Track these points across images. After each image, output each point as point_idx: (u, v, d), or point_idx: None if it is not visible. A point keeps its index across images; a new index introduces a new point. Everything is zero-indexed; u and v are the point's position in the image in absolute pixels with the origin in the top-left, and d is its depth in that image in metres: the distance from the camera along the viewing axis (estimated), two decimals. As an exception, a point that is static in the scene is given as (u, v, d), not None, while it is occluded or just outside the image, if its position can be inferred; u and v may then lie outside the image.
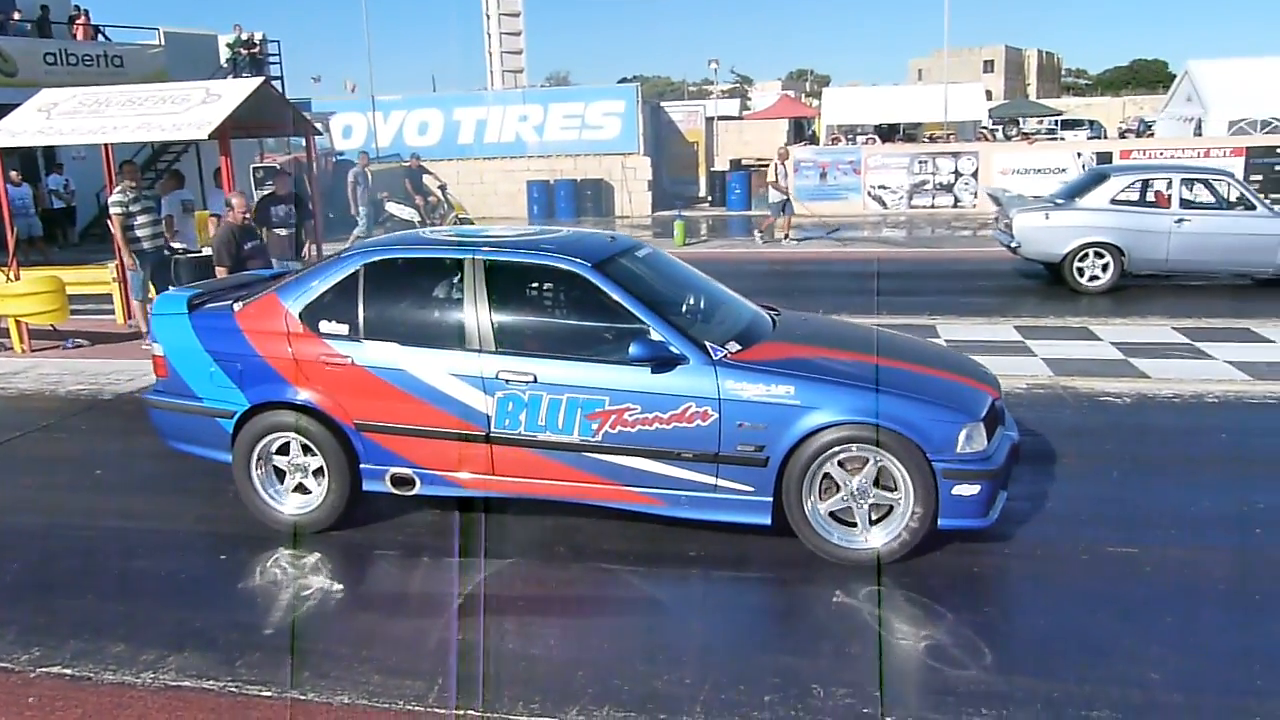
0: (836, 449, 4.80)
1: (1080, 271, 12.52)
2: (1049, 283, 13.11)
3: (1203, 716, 3.69)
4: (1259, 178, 21.71)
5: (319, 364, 5.31)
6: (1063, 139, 37.41)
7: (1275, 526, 5.28)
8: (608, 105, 26.05)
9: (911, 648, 4.23)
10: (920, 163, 24.32)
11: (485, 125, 26.50)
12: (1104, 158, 23.52)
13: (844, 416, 4.78)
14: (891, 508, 4.86)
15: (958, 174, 23.99)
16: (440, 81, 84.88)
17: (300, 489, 5.50)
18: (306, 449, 5.40)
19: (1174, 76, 38.09)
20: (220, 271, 8.23)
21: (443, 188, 20.54)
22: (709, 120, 31.12)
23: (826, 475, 4.86)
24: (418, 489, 5.33)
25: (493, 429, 5.10)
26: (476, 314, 5.17)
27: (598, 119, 25.93)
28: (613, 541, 5.29)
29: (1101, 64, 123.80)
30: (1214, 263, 12.49)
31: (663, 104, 32.14)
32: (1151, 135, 33.63)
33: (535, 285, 5.69)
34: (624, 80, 32.93)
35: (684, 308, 5.51)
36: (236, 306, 5.65)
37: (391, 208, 19.60)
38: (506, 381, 5.04)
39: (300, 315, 5.40)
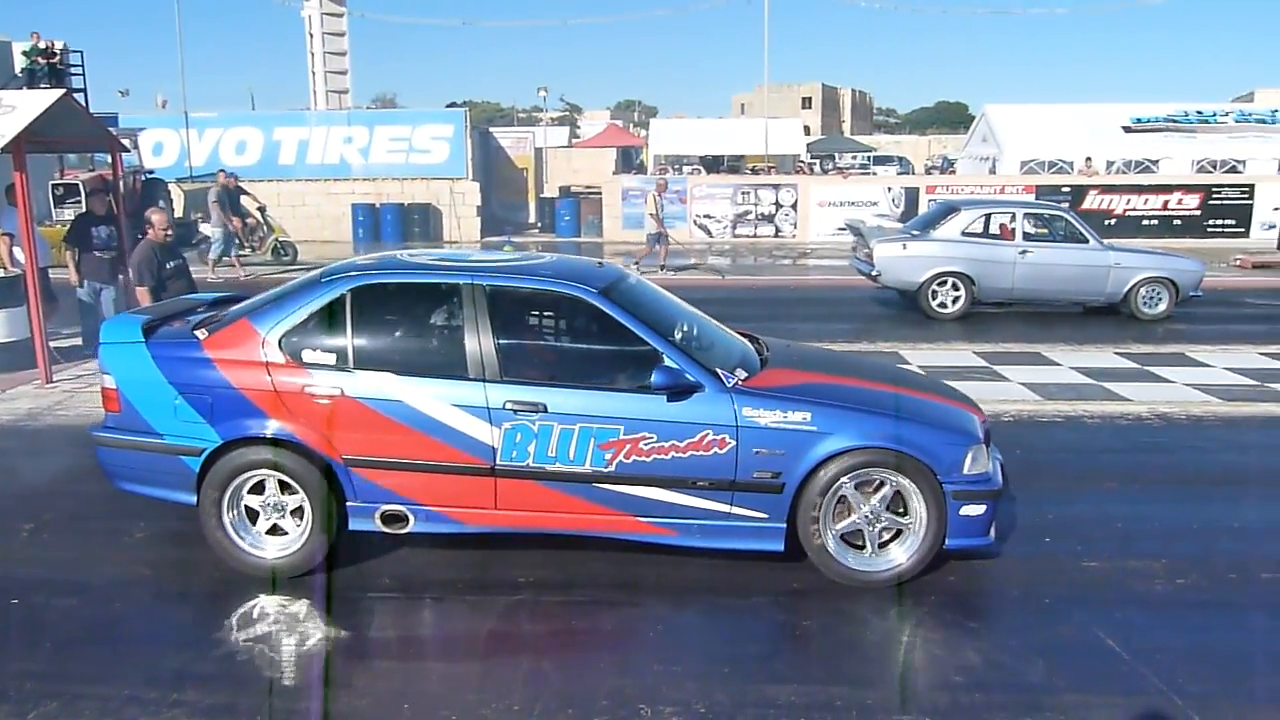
0: (853, 474, 4.86)
1: (935, 298, 13.27)
2: (903, 309, 13.81)
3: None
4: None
5: (303, 395, 4.92)
6: (875, 174, 39.50)
7: (1063, 535, 5.71)
8: (436, 129, 25.77)
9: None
10: (743, 193, 25.15)
11: (308, 146, 25.72)
12: (911, 192, 25.01)
13: (861, 442, 4.83)
14: (900, 531, 4.96)
15: (778, 205, 24.94)
16: (260, 99, 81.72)
17: (274, 530, 5.08)
18: (284, 487, 5.01)
19: (974, 118, 40.83)
20: (141, 293, 7.61)
21: (262, 209, 19.77)
22: (538, 148, 31.25)
23: (841, 500, 4.91)
24: (410, 526, 5.02)
25: (498, 461, 4.87)
26: (479, 342, 4.93)
27: (425, 143, 25.61)
28: (441, 571, 5.21)
29: (909, 104, 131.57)
30: (1053, 291, 13.46)
31: (492, 130, 32.07)
32: (954, 172, 35.90)
33: (539, 312, 5.54)
34: (453, 105, 32.63)
35: (679, 335, 5.27)
36: (200, 334, 5.18)
37: (206, 229, 18.71)
38: (515, 412, 4.83)
39: (279, 343, 5.00)
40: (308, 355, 4.98)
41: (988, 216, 13.78)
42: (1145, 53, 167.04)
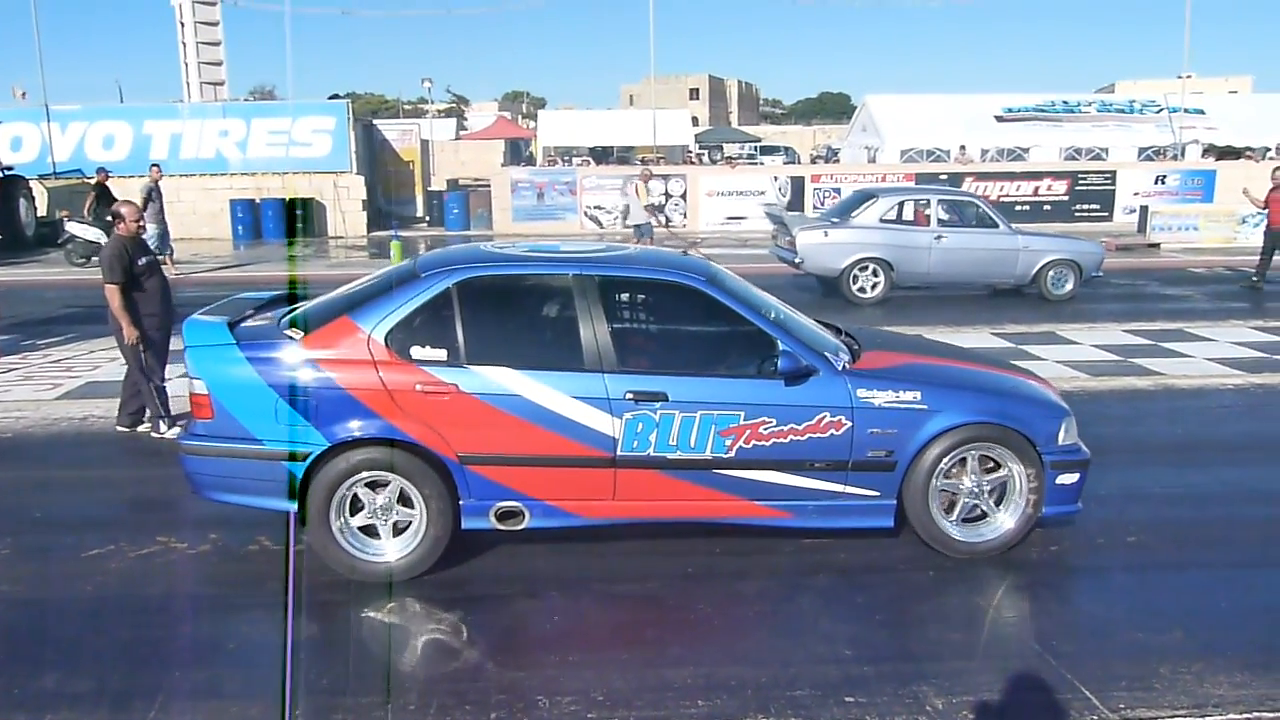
0: (959, 449, 5.04)
1: (856, 285, 13.58)
2: (822, 295, 14.03)
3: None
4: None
5: (416, 394, 4.77)
6: (762, 164, 40.14)
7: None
8: (317, 121, 25.08)
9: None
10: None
11: (181, 140, 24.72)
12: (797, 182, 25.52)
13: (969, 418, 5.03)
14: (1000, 501, 5.17)
15: (668, 195, 25.10)
16: (129, 92, 78.34)
17: (376, 532, 4.93)
18: (379, 487, 4.86)
19: (856, 108, 41.84)
20: (111, 290, 7.17)
21: (132, 206, 18.93)
22: (424, 140, 30.75)
23: (948, 474, 5.08)
24: (526, 523, 4.96)
25: (619, 452, 4.86)
26: (594, 333, 4.90)
27: (306, 135, 24.90)
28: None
29: (795, 95, 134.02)
30: (966, 275, 13.97)
31: (376, 122, 31.40)
32: (838, 161, 36.75)
33: (648, 302, 5.50)
34: (335, 96, 31.79)
35: (774, 321, 5.26)
36: (295, 334, 4.94)
37: (73, 228, 17.86)
38: (636, 401, 4.83)
39: (385, 340, 4.84)
40: (416, 352, 4.85)
41: (904, 203, 14.18)
42: (1015, 45, 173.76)
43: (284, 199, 24.25)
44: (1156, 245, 20.26)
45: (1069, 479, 5.19)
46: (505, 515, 4.94)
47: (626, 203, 20.37)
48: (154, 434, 7.47)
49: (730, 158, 41.56)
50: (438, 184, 29.17)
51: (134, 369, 7.37)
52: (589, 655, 4.32)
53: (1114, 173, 26.09)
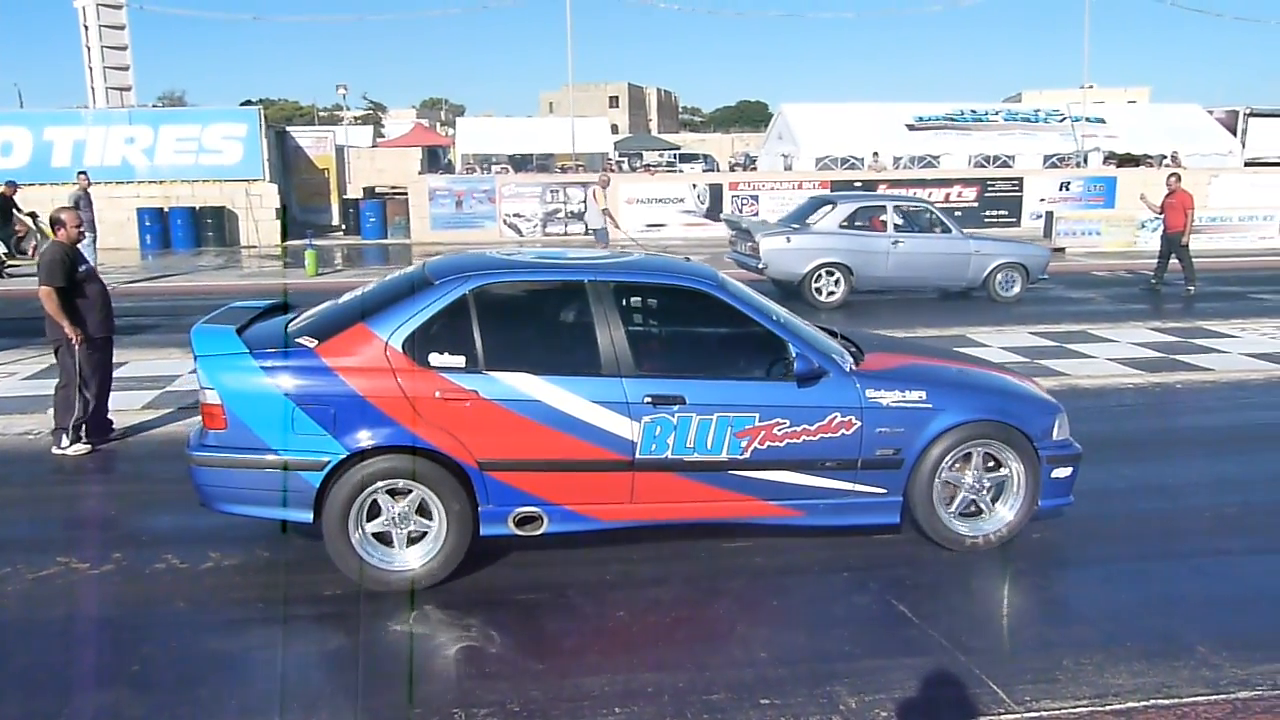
0: (962, 446, 5.20)
1: (817, 289, 13.78)
2: (782, 299, 14.06)
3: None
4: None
5: (435, 400, 4.75)
6: (681, 171, 40.37)
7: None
8: (228, 128, 24.51)
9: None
10: (552, 192, 25.19)
11: (85, 147, 23.90)
12: (716, 189, 25.74)
13: (971, 416, 5.21)
14: (998, 496, 5.38)
15: (587, 203, 25.07)
16: (30, 97, 75.65)
17: (395, 541, 4.90)
18: (401, 495, 4.84)
19: (773, 116, 42.37)
20: (45, 292, 6.81)
21: (33, 215, 18.28)
22: (340, 147, 30.26)
23: (950, 468, 5.25)
24: (544, 528, 4.97)
25: (638, 455, 4.90)
26: (611, 338, 4.96)
27: (217, 143, 24.30)
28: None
29: (714, 103, 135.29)
30: (922, 279, 14.37)
31: (290, 129, 30.79)
32: (755, 169, 37.16)
33: (661, 306, 5.61)
34: (248, 103, 31.13)
35: (783, 324, 5.34)
36: (309, 342, 4.85)
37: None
38: (654, 405, 4.88)
39: (403, 348, 4.81)
40: (435, 359, 4.83)
41: (861, 209, 14.49)
42: (927, 55, 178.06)
43: (193, 208, 23.64)
44: (1062, 249, 20.90)
45: (1063, 473, 5.43)
46: (524, 521, 4.96)
47: (584, 207, 20.48)
48: (55, 449, 7.19)
49: (649, 165, 41.70)
50: (354, 192, 28.72)
51: (70, 377, 7.10)
52: (505, 666, 4.28)
53: (1021, 179, 26.89)
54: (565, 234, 24.92)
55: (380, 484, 4.80)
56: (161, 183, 24.01)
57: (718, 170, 42.11)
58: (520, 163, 41.58)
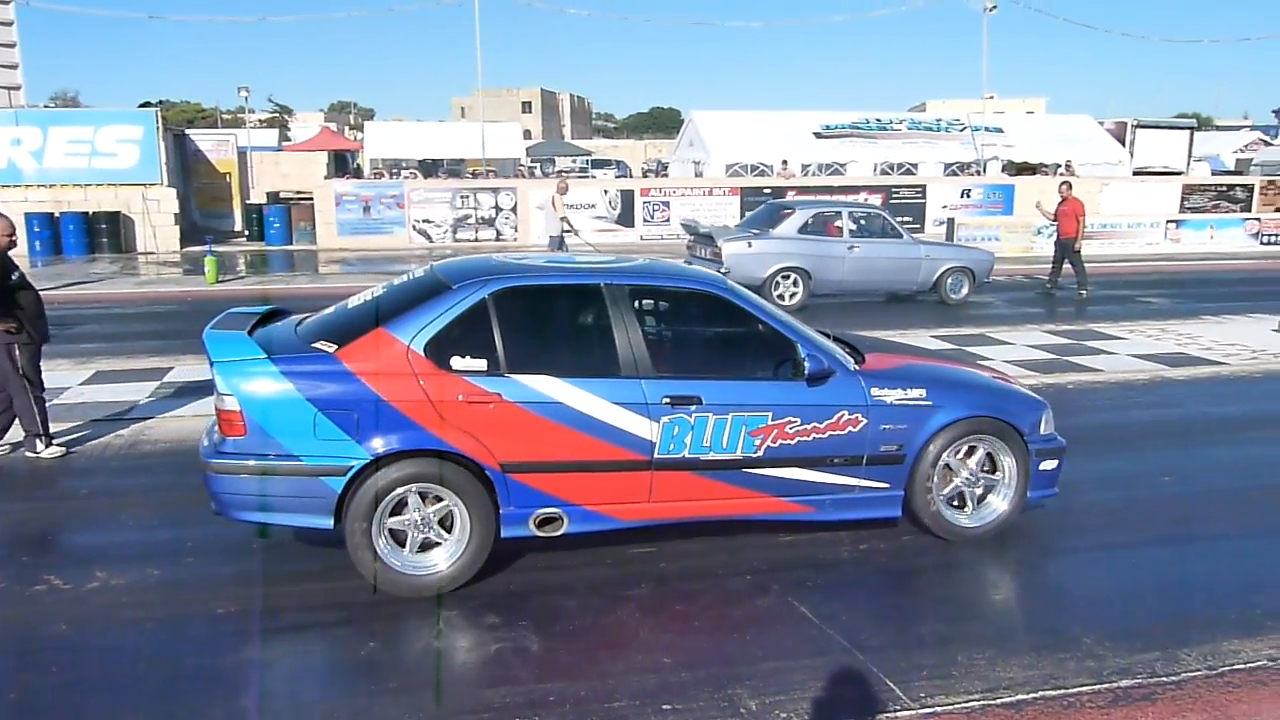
0: (959, 441, 5.43)
1: (778, 293, 14.01)
2: None
3: (705, 689, 4.16)
4: (750, 214, 25.02)
5: (458, 404, 4.77)
6: (594, 177, 40.41)
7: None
8: (123, 130, 23.66)
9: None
10: (463, 197, 24.96)
11: (-33, 149, 22.87)
12: (627, 195, 25.83)
13: (968, 412, 5.45)
14: (990, 488, 5.62)
15: (498, 209, 24.95)
16: (-93, 96, 71.90)
17: (422, 546, 4.89)
18: (431, 498, 4.84)
19: (684, 123, 42.66)
20: None
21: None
22: (242, 151, 29.52)
23: (947, 465, 5.47)
24: (564, 528, 5.02)
25: (656, 454, 4.99)
26: (629, 340, 5.04)
27: (111, 145, 23.44)
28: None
29: (627, 109, 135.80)
30: (876, 282, 14.76)
31: (189, 132, 29.92)
32: (666, 175, 37.40)
33: (674, 309, 5.69)
34: (146, 104, 30.14)
35: (791, 326, 5.49)
36: (327, 347, 4.83)
37: None
38: (673, 405, 4.96)
39: (425, 351, 4.79)
40: (456, 363, 4.84)
41: (818, 216, 14.85)
42: (834, 64, 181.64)
43: (86, 213, 22.78)
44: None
45: (1050, 465, 5.72)
46: (544, 522, 4.99)
47: (543, 213, 20.49)
48: (28, 453, 6.96)
49: (561, 171, 41.61)
50: (258, 197, 27.99)
51: (11, 380, 6.85)
52: (406, 680, 4.21)
53: (924, 187, 27.62)
54: (476, 240, 24.73)
55: (402, 489, 4.79)
56: (51, 186, 23.07)
57: (630, 176, 42.27)
58: (431, 168, 41.12)
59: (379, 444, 4.69)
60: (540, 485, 4.93)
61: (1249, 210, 27.99)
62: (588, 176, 41.26)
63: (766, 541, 5.60)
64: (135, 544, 5.62)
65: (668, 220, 25.13)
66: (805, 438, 5.19)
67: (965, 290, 15.11)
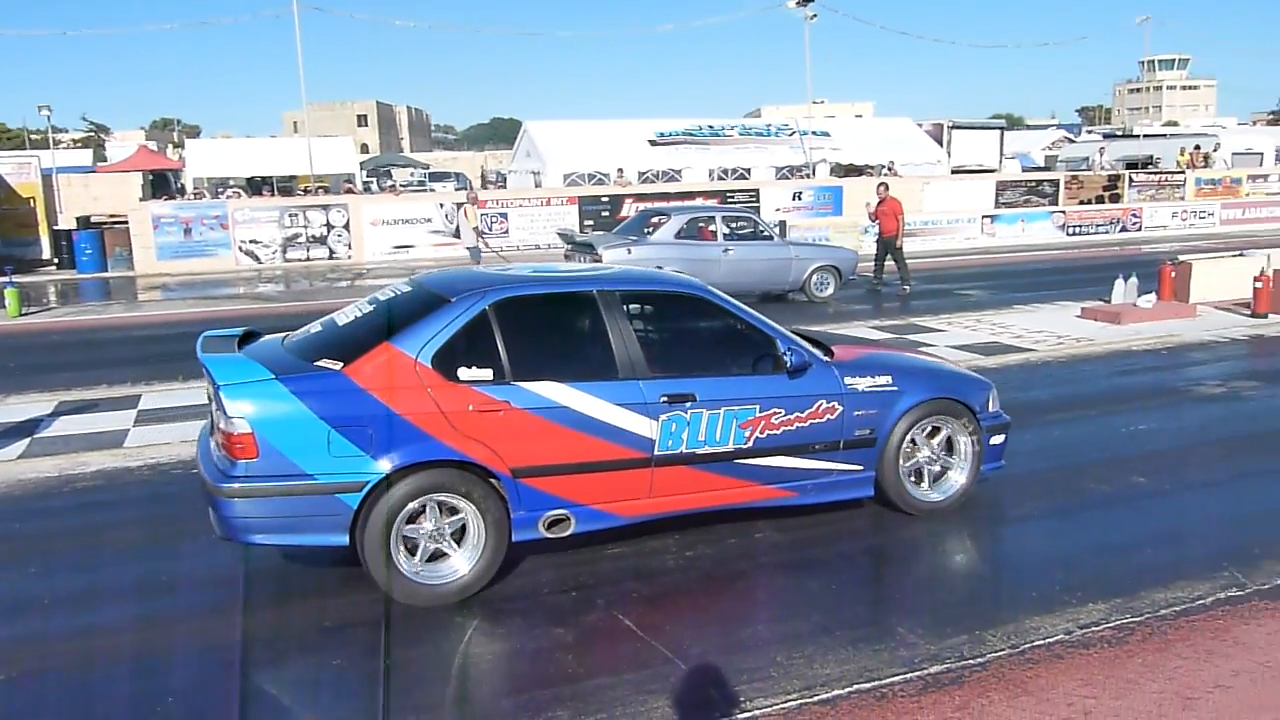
0: (922, 422, 5.88)
1: None
2: None
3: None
4: (590, 222, 25.10)
5: (469, 413, 4.86)
6: (432, 190, 39.71)
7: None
8: (-94, 156, 21.82)
9: None
10: (291, 216, 24.10)
11: None
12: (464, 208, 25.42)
13: (929, 395, 5.91)
14: (947, 465, 6.07)
15: (329, 226, 24.19)
16: None
17: (437, 555, 4.96)
18: (447, 508, 4.91)
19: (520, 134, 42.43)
20: None
21: None
22: (46, 174, 27.66)
23: (911, 444, 5.90)
24: (572, 529, 5.16)
25: (656, 451, 5.19)
26: (624, 343, 5.24)
27: (-108, 171, 21.59)
28: None
29: (467, 120, 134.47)
30: (750, 283, 14.90)
31: (-14, 154, 27.83)
32: (504, 187, 37.14)
33: (661, 312, 5.90)
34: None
35: (767, 323, 5.77)
36: (333, 365, 4.84)
37: None
38: (669, 404, 5.18)
39: (432, 364, 4.87)
40: (463, 373, 4.93)
41: (693, 221, 15.14)
42: (669, 72, 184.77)
43: None
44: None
45: (998, 439, 6.22)
46: (553, 524, 5.12)
47: (456, 226, 20.17)
48: None
49: (394, 185, 40.70)
50: (67, 222, 26.26)
51: None
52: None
53: (758, 190, 28.29)
54: (308, 259, 23.91)
55: (416, 501, 4.82)
56: None
57: (470, 188, 41.74)
58: (260, 186, 39.58)
59: (395, 457, 4.74)
60: (548, 488, 5.06)
61: (1056, 204, 29.85)
62: (426, 189, 40.51)
63: (592, 555, 5.55)
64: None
65: (506, 232, 24.92)
66: (789, 427, 5.51)
67: (831, 288, 15.72)
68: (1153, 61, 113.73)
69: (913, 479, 6.02)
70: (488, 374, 4.98)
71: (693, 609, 5.09)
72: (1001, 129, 44.88)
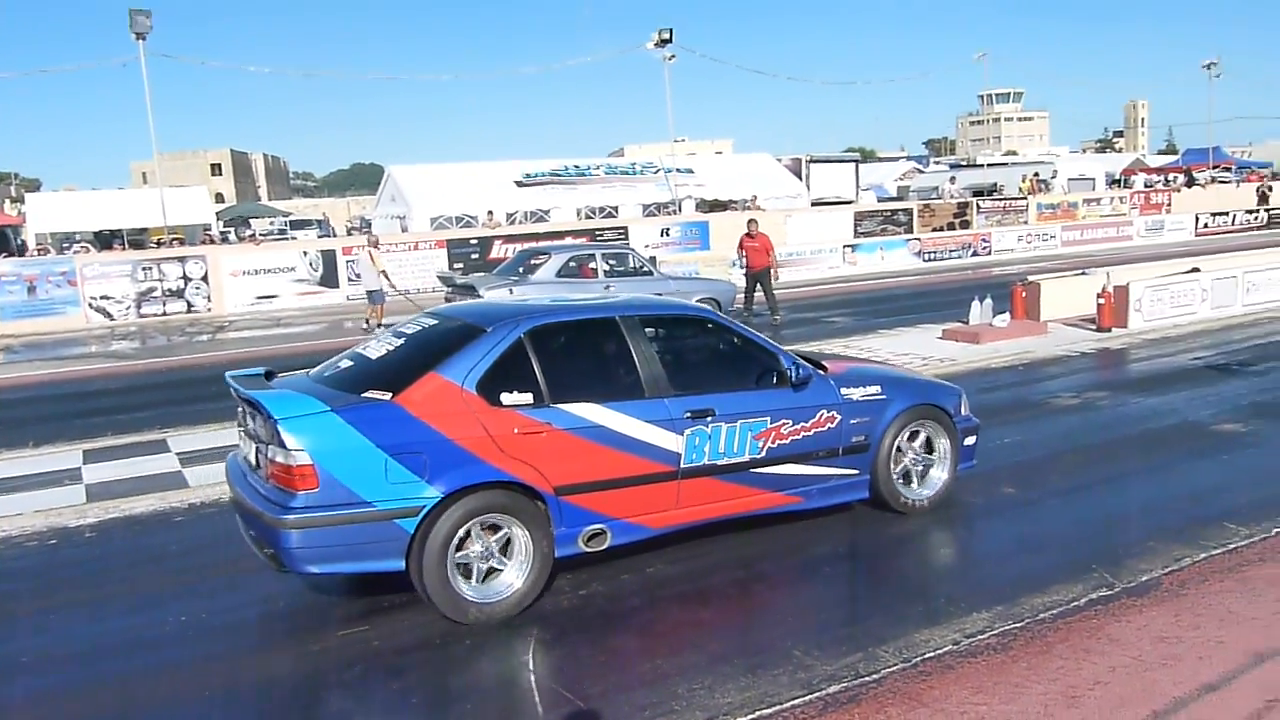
0: (908, 427, 6.39)
1: None
2: None
3: None
4: (460, 265, 24.86)
5: (514, 436, 5.11)
6: (294, 238, 38.64)
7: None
8: None
9: None
10: (145, 269, 23.11)
11: None
12: (329, 255, 24.96)
13: (912, 402, 6.45)
14: (928, 466, 6.59)
15: (187, 278, 23.30)
16: None
17: (490, 573, 5.15)
18: (494, 528, 5.11)
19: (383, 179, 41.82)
20: None
21: None
22: None
23: (898, 448, 6.38)
24: (608, 542, 5.42)
25: (682, 464, 5.54)
26: (648, 364, 5.60)
27: None
28: None
29: (326, 167, 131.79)
30: None
31: None
32: (368, 232, 36.45)
33: (676, 334, 6.26)
34: None
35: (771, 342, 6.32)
36: (382, 395, 5.01)
37: None
38: (693, 419, 5.55)
39: (477, 390, 5.11)
40: (505, 398, 5.16)
41: (573, 258, 15.27)
42: (532, 113, 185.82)
43: None
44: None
45: (971, 441, 6.80)
46: (592, 538, 5.38)
47: (359, 271, 19.49)
48: None
49: (253, 234, 39.48)
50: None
51: None
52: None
53: (626, 228, 28.59)
54: (164, 313, 22.93)
55: (470, 522, 5.00)
56: None
57: (334, 235, 40.85)
58: (109, 239, 37.83)
59: (449, 480, 4.93)
60: (586, 504, 5.32)
61: (911, 231, 31.20)
62: (287, 238, 39.41)
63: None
64: None
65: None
66: (796, 436, 5.94)
67: None
68: (991, 95, 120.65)
69: (902, 479, 6.49)
70: (528, 398, 5.24)
71: (590, 647, 5.03)
72: (856, 162, 46.71)
